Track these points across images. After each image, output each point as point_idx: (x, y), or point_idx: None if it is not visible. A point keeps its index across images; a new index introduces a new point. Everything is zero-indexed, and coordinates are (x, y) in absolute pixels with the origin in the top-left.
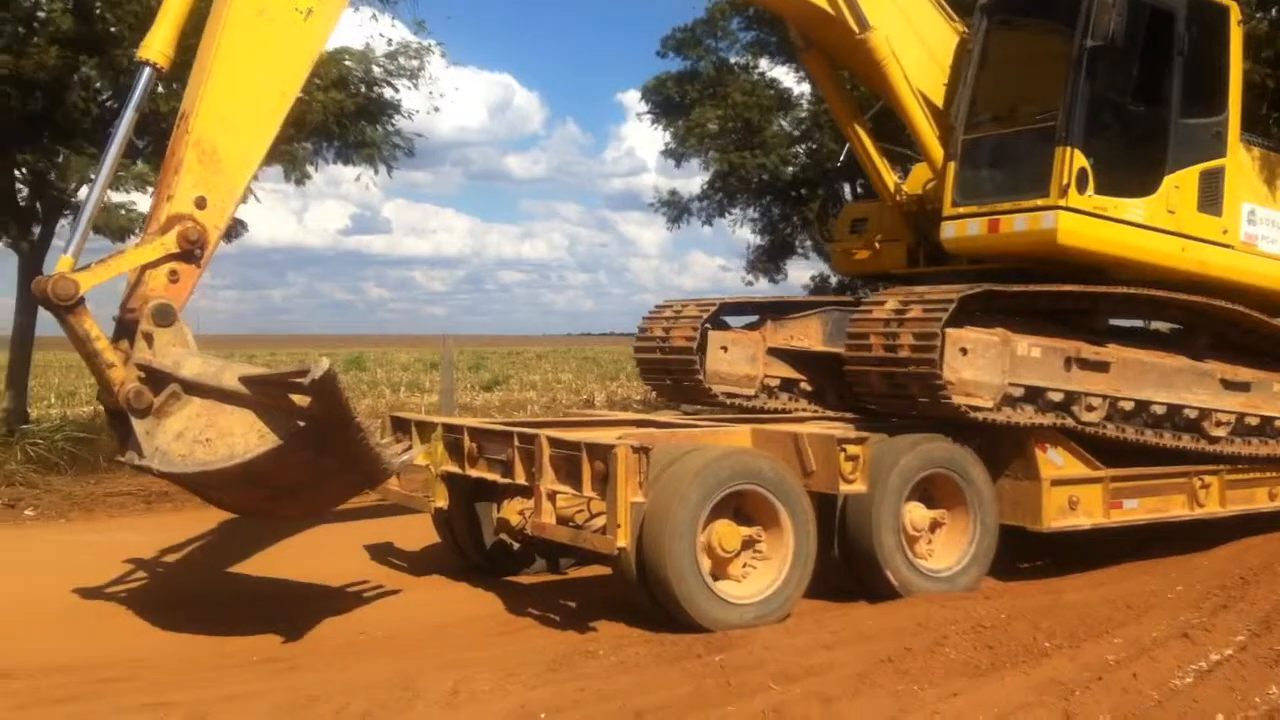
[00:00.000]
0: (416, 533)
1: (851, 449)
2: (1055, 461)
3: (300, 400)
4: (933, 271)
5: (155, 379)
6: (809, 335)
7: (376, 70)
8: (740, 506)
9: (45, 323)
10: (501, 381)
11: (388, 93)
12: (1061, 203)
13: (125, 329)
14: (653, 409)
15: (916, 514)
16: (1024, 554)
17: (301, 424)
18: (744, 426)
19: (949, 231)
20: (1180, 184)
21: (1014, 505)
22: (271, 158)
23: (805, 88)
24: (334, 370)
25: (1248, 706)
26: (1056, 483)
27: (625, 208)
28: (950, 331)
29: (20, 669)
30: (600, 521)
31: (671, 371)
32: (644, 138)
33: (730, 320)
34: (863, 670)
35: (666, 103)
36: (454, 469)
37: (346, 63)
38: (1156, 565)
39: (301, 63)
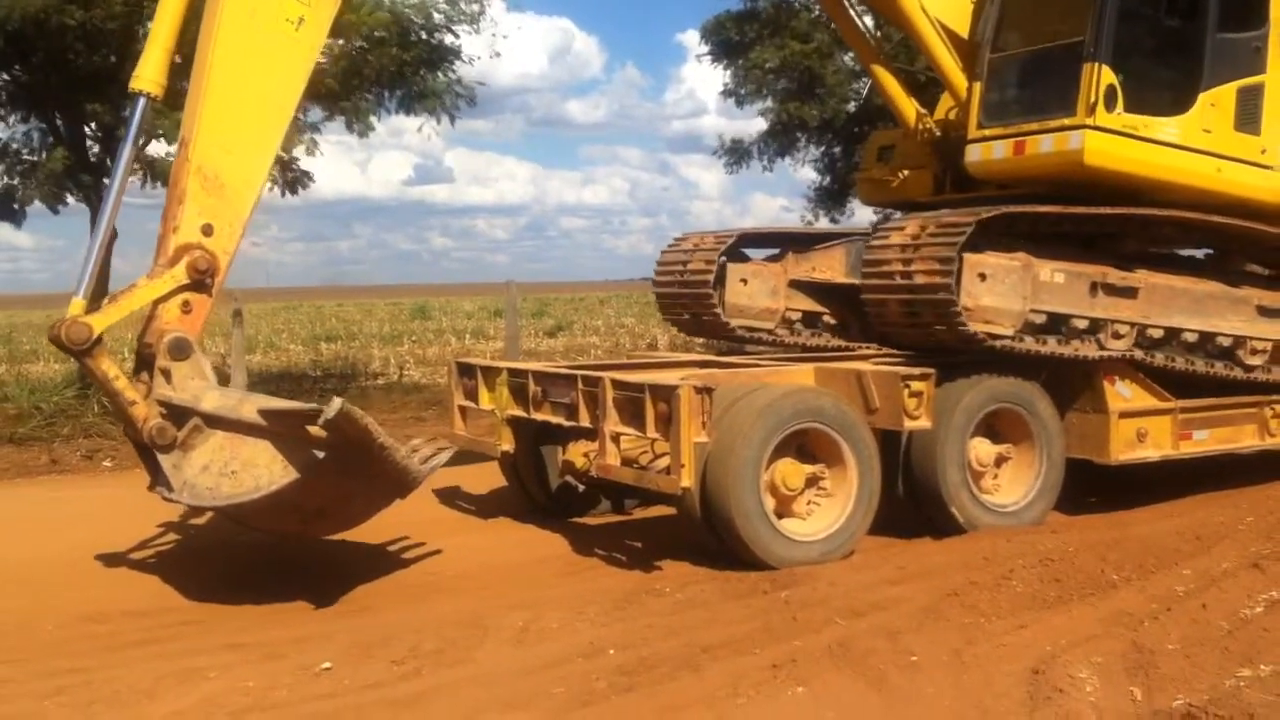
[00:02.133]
0: (483, 477)
1: (916, 385)
2: (1123, 394)
3: (318, 432)
4: (959, 198)
5: (177, 413)
6: (832, 267)
7: (436, 17)
8: (804, 444)
9: (119, 277)
10: (565, 327)
11: (448, 39)
12: (1089, 121)
13: (144, 362)
14: (716, 350)
15: (982, 449)
16: (1091, 487)
17: (323, 453)
18: (807, 365)
19: (974, 155)
20: (1216, 101)
21: (1081, 438)
22: (334, 111)
23: (869, 20)
24: (347, 408)
25: None
26: (1125, 415)
27: (686, 150)
28: (969, 256)
29: (104, 613)
30: (664, 462)
31: (689, 305)
32: (704, 79)
33: (751, 253)
34: (929, 604)
35: (726, 43)
36: (519, 413)
37: (406, 10)
38: (1227, 497)
39: (298, 74)
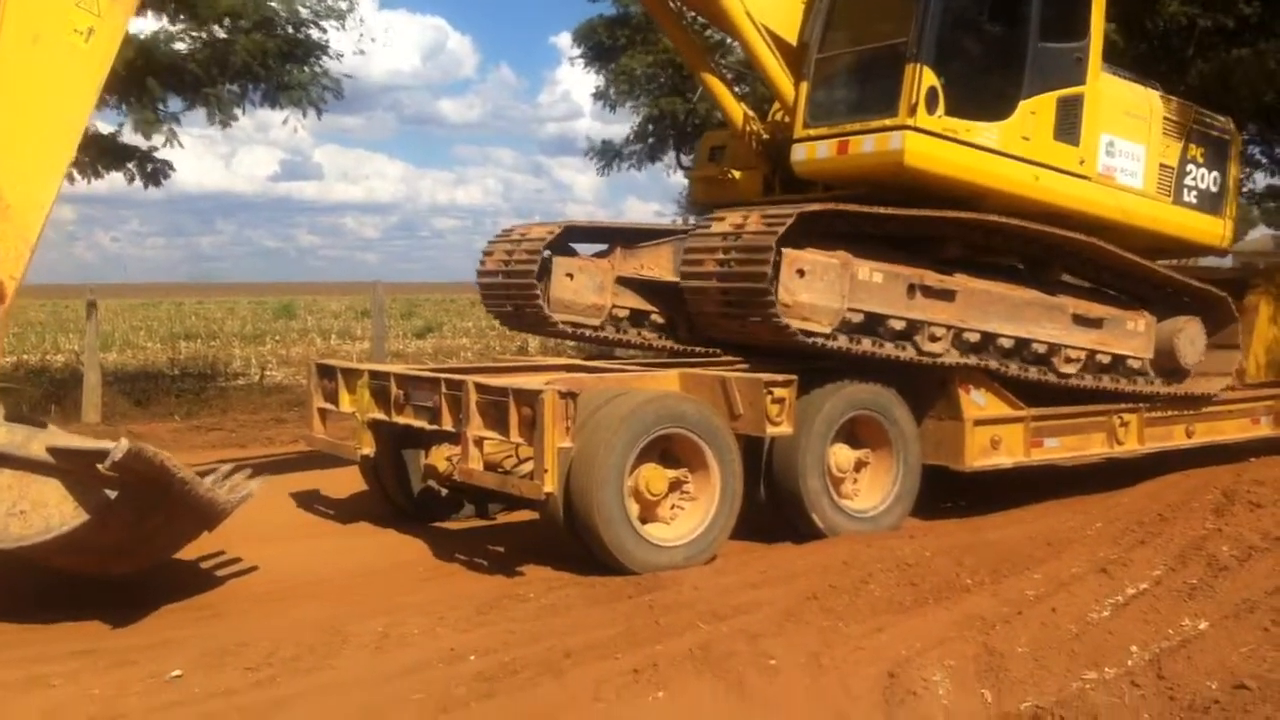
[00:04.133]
0: (343, 481)
1: (778, 391)
2: (978, 402)
3: (109, 471)
4: (787, 199)
5: None
6: (660, 265)
7: (303, 11)
8: (667, 449)
9: None
10: (434, 328)
11: (314, 34)
12: (909, 122)
13: None
14: (586, 355)
15: (841, 455)
16: (947, 494)
17: (115, 493)
18: (672, 370)
19: (799, 154)
20: (1036, 110)
21: (937, 445)
22: (195, 101)
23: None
24: (137, 447)
25: (1161, 638)
26: (979, 422)
27: (560, 153)
28: (788, 252)
29: None
30: (528, 467)
31: (514, 299)
32: (578, 82)
33: (580, 247)
34: (789, 608)
35: (598, 47)
36: (381, 416)
37: (271, 3)
38: (1078, 503)
39: (88, 88)
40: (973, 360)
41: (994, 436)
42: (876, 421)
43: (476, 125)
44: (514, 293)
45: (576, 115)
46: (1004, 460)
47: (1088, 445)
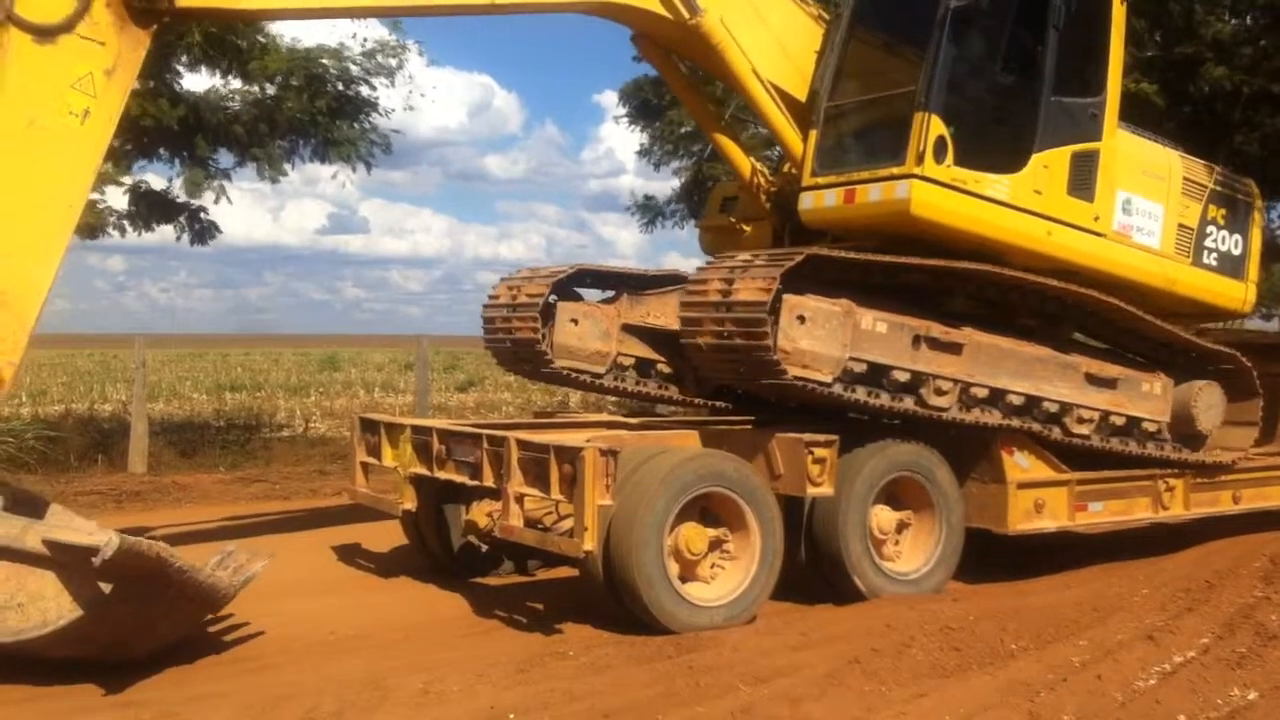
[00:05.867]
0: (384, 535)
1: (819, 452)
2: (1021, 464)
3: (101, 568)
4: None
5: None
6: (665, 313)
7: (353, 69)
8: (707, 507)
9: None
10: (476, 382)
11: (364, 90)
12: (917, 171)
13: None
14: (628, 412)
15: (883, 516)
16: (991, 557)
17: (111, 586)
18: (712, 428)
19: (807, 202)
20: (1050, 164)
21: (980, 508)
22: (244, 158)
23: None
24: (129, 543)
25: (1209, 708)
26: (1023, 485)
27: (603, 209)
28: (788, 298)
29: None
30: (568, 524)
31: (516, 344)
32: (622, 139)
33: (585, 293)
34: (830, 671)
35: (644, 105)
36: (422, 471)
37: (323, 61)
38: (1123, 568)
39: (85, 169)
40: (983, 416)
41: (1038, 500)
42: (918, 483)
43: (521, 181)
44: (517, 338)
45: (619, 172)
46: (1048, 524)
47: (1132, 510)
